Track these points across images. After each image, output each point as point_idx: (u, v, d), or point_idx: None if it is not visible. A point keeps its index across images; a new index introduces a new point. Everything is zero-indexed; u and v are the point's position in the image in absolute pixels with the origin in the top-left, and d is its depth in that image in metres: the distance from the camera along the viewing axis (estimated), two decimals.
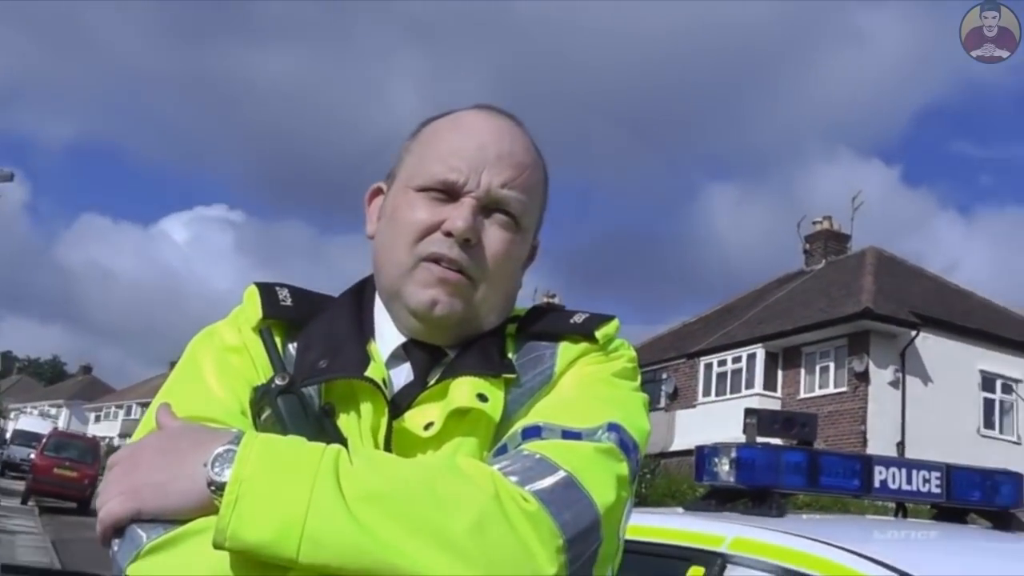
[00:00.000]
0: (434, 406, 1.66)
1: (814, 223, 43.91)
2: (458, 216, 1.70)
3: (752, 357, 37.35)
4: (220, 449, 1.43)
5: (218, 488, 1.40)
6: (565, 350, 1.75)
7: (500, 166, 1.76)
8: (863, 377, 33.60)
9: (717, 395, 38.03)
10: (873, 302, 33.64)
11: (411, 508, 1.39)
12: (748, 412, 3.75)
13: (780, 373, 37.22)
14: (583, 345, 1.76)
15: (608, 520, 1.54)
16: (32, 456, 38.50)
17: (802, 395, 35.99)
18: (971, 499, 3.91)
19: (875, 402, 33.43)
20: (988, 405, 35.77)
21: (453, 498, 1.42)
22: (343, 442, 1.54)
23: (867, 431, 33.00)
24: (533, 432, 1.61)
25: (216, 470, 1.42)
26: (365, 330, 1.79)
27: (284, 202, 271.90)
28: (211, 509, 1.41)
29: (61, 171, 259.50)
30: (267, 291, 1.81)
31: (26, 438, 46.45)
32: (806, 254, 43.88)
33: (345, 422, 1.64)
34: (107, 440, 76.21)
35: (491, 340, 1.77)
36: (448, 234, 1.71)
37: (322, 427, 1.57)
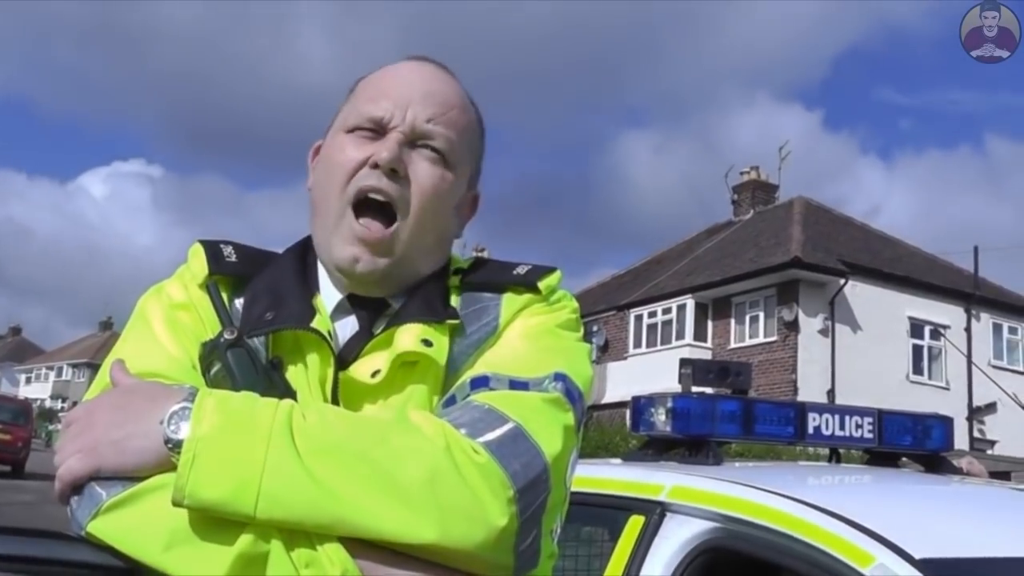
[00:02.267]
0: (380, 354, 1.69)
1: (742, 173, 44.29)
2: (383, 148, 1.73)
3: (682, 308, 37.64)
4: (176, 407, 1.45)
5: (175, 445, 1.43)
6: (509, 301, 1.78)
7: (426, 103, 1.78)
8: (793, 326, 33.94)
9: (648, 347, 38.27)
10: (802, 251, 34.00)
11: (364, 462, 1.43)
12: (683, 362, 3.79)
13: (710, 324, 37.57)
14: (527, 296, 1.79)
15: (556, 469, 1.56)
16: None
17: (732, 345, 36.46)
18: (902, 443, 4.00)
19: (805, 351, 33.81)
20: (917, 351, 36.35)
21: (405, 451, 1.45)
22: (292, 393, 1.59)
23: (798, 380, 33.42)
24: (481, 382, 1.64)
25: (172, 428, 1.44)
26: (310, 283, 1.81)
27: (202, 155, 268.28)
28: (168, 465, 1.44)
29: None
30: (211, 248, 1.82)
31: None
32: (734, 204, 44.27)
33: (293, 374, 1.67)
34: (39, 402, 75.57)
35: (434, 289, 1.79)
36: (375, 166, 1.73)
37: (271, 379, 1.61)
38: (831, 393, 33.12)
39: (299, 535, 1.41)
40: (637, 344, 39.07)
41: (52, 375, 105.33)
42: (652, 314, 38.92)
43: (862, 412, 3.93)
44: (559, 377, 1.67)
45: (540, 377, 1.65)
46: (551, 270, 1.84)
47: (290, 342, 1.71)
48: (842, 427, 3.85)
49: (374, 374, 1.66)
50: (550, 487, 1.56)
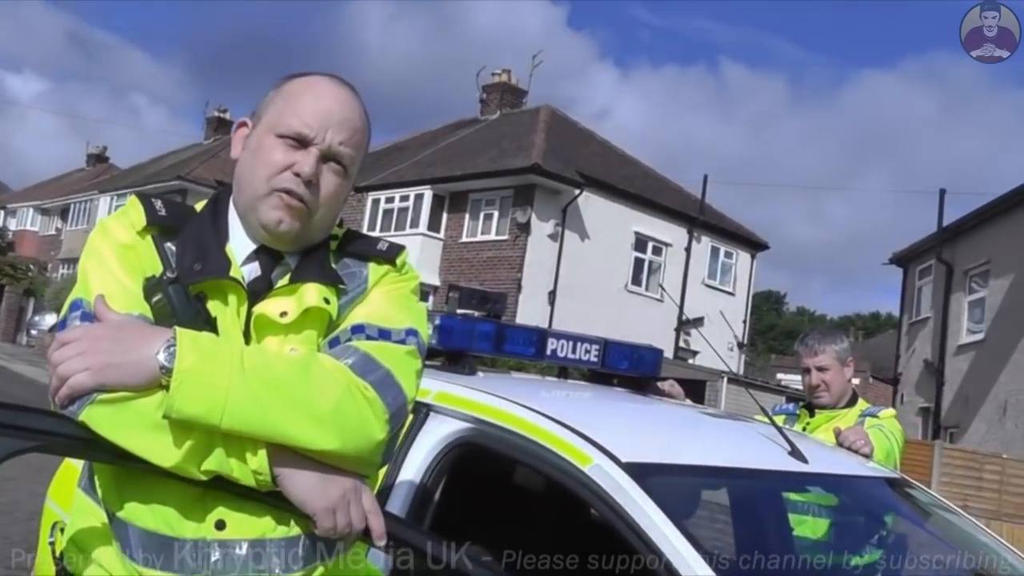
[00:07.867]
0: (286, 299, 2.26)
1: (493, 74, 44.69)
2: (305, 162, 2.28)
3: (420, 197, 38.12)
4: (164, 343, 2.02)
5: (168, 372, 1.99)
6: (374, 270, 2.41)
7: (341, 128, 2.33)
8: (525, 228, 34.87)
9: (382, 230, 37.84)
10: (542, 158, 34.74)
11: (294, 393, 2.06)
12: (451, 287, 4.39)
13: (445, 216, 38.13)
14: (386, 267, 2.42)
15: (410, 401, 2.27)
16: None
17: (464, 239, 37.23)
18: (620, 367, 4.73)
19: (533, 252, 34.86)
20: (638, 264, 37.92)
21: (321, 386, 2.09)
22: (213, 322, 2.18)
23: (523, 279, 34.48)
24: (359, 329, 2.29)
25: (165, 358, 2.01)
26: (222, 236, 2.34)
27: None
28: (152, 386, 2.01)
29: None
30: (146, 201, 2.33)
31: None
32: (482, 103, 44.83)
33: (212, 307, 2.22)
34: None
35: (323, 255, 2.37)
36: (297, 174, 2.27)
37: (197, 311, 2.18)
38: (552, 294, 34.19)
39: (232, 438, 2.03)
40: (372, 227, 38.54)
41: None
42: (390, 199, 39.26)
43: (591, 340, 4.62)
44: (411, 332, 2.33)
45: (399, 329, 2.31)
46: (402, 248, 2.48)
47: (211, 282, 2.24)
48: (574, 351, 4.55)
49: (282, 314, 2.24)
50: (408, 414, 2.28)
